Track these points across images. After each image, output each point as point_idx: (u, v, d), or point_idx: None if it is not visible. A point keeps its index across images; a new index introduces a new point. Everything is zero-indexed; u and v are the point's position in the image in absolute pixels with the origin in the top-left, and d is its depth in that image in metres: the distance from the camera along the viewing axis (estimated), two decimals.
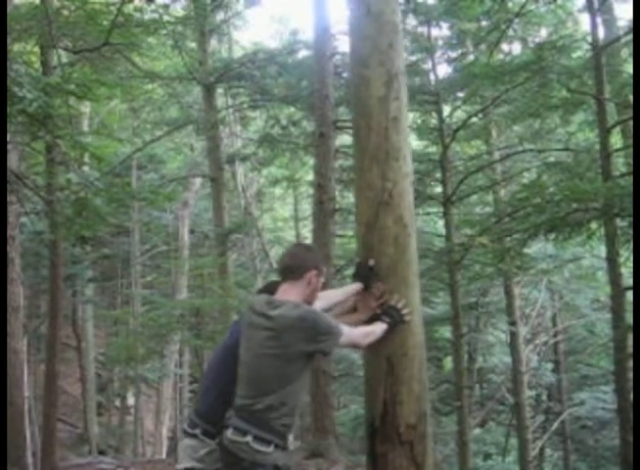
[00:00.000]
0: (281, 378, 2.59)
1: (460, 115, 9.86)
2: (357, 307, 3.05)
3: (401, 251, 3.00)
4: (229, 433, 2.60)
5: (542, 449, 13.38)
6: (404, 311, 2.92)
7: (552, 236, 6.12)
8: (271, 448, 2.56)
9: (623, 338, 5.69)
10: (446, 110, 9.01)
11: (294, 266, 2.76)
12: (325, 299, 2.92)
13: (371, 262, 2.98)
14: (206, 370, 3.07)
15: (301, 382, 2.67)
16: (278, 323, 2.58)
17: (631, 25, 6.03)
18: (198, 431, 2.84)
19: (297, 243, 2.96)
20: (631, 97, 6.37)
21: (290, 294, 2.71)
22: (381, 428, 2.97)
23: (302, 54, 10.99)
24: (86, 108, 14.49)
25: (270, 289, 2.91)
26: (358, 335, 2.79)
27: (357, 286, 3.01)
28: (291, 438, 2.68)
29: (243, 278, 15.40)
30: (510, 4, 8.17)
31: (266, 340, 2.59)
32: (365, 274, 2.98)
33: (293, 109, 11.68)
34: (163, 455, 14.95)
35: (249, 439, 2.55)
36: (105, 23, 6.75)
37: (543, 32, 10.14)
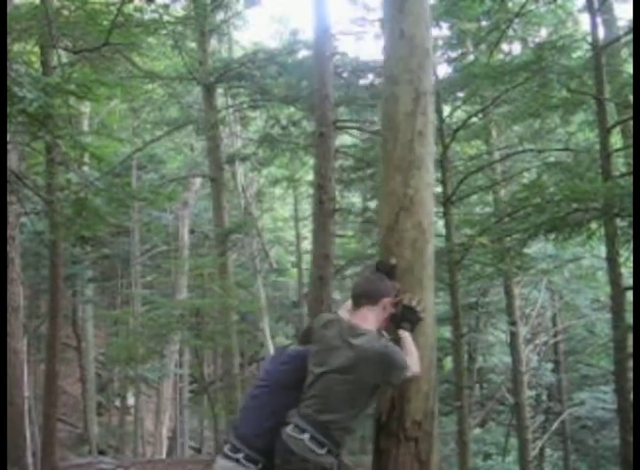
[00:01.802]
0: (349, 402, 2.76)
1: (460, 115, 9.84)
2: None
3: (418, 254, 3.16)
4: (289, 428, 2.77)
5: (542, 449, 13.36)
6: (418, 308, 3.00)
7: (552, 236, 6.13)
8: (323, 451, 2.72)
9: (623, 338, 5.68)
10: (446, 110, 8.99)
11: (371, 292, 2.92)
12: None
13: (393, 261, 3.08)
14: (251, 397, 3.11)
15: (363, 409, 2.83)
16: (359, 354, 2.73)
17: (631, 25, 6.03)
18: (240, 456, 2.90)
19: (372, 271, 3.20)
20: (631, 97, 6.37)
21: (367, 321, 2.86)
22: (387, 423, 3.06)
23: (302, 54, 10.97)
24: (86, 108, 14.48)
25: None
26: (416, 367, 2.88)
27: None
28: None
29: (243, 278, 15.41)
30: (510, 4, 8.16)
31: (343, 366, 2.74)
32: (387, 272, 3.06)
33: (293, 109, 11.66)
34: (163, 455, 14.96)
35: (305, 437, 2.72)
36: (105, 23, 6.75)
37: (543, 32, 10.14)
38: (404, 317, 2.97)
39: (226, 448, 2.97)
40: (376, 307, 2.89)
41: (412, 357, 2.89)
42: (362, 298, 2.92)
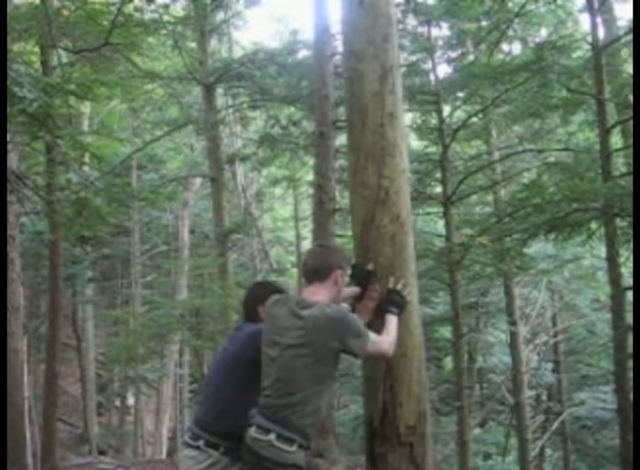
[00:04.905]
0: (310, 377, 2.58)
1: (460, 115, 9.86)
2: (355, 310, 2.99)
3: (399, 250, 2.94)
4: (252, 431, 2.58)
5: (542, 449, 13.35)
6: (404, 292, 2.88)
7: (552, 236, 6.14)
8: (294, 448, 2.55)
9: (623, 338, 5.69)
10: (446, 110, 9.01)
11: (320, 267, 2.76)
12: None
13: (370, 267, 2.91)
14: (207, 380, 3.02)
15: (329, 383, 2.68)
16: (310, 323, 2.58)
17: (631, 25, 6.03)
18: (201, 443, 2.81)
19: (319, 243, 3.01)
20: (631, 97, 6.37)
21: (318, 295, 2.71)
22: (380, 429, 2.94)
23: (302, 54, 11.00)
24: (86, 108, 14.48)
25: (276, 290, 2.97)
26: (386, 345, 2.72)
27: (354, 289, 2.96)
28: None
29: (243, 278, 15.41)
30: (510, 4, 8.17)
31: (297, 339, 2.59)
32: (363, 277, 2.93)
33: (293, 109, 11.68)
34: (163, 455, 14.96)
35: (272, 437, 2.53)
36: (105, 23, 6.75)
37: (543, 32, 10.17)
38: (391, 301, 2.85)
39: (187, 437, 2.88)
40: (326, 282, 2.73)
41: (388, 336, 2.74)
42: (311, 273, 2.77)
